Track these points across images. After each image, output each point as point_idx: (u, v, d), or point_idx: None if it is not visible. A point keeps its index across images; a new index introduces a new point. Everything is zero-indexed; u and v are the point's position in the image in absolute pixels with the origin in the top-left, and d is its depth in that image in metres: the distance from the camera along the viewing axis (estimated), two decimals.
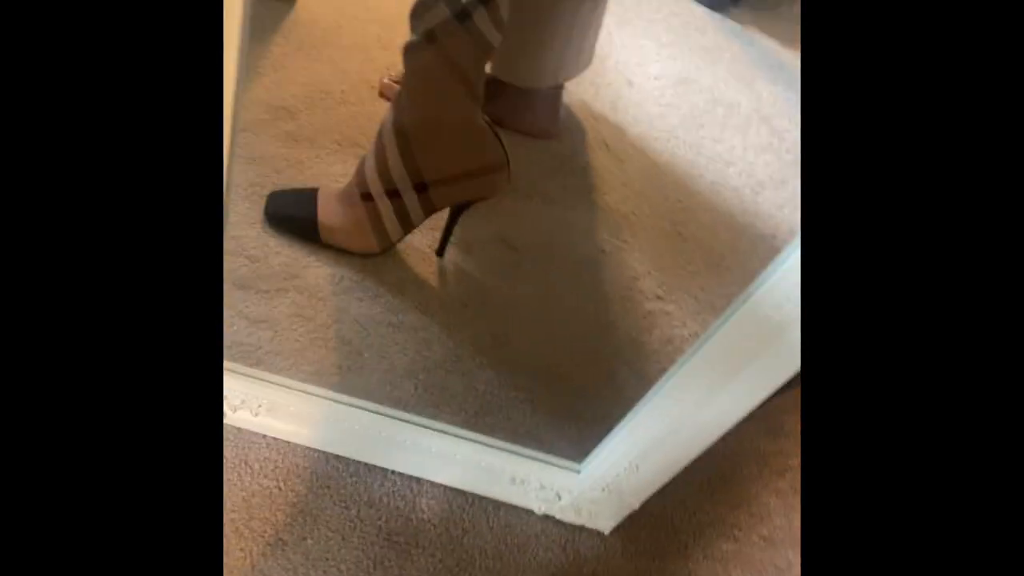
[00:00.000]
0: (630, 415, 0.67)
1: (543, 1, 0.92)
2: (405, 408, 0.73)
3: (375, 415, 0.70)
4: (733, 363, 0.58)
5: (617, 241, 0.99)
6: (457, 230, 0.90)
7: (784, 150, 1.26)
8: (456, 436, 0.71)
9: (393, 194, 0.80)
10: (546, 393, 0.81)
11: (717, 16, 1.56)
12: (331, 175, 0.93)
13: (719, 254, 1.03)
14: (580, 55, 1.02)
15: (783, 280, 0.52)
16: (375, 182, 0.80)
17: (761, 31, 1.56)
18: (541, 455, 0.72)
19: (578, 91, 1.20)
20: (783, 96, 1.40)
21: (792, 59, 1.52)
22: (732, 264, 1.02)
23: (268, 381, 0.69)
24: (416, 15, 0.72)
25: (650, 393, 0.65)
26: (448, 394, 0.77)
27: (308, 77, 1.04)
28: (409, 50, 0.74)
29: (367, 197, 0.81)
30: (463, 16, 0.69)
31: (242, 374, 0.68)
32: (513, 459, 0.71)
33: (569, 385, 0.82)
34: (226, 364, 0.68)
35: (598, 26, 1.03)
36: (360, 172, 0.82)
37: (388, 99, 1.04)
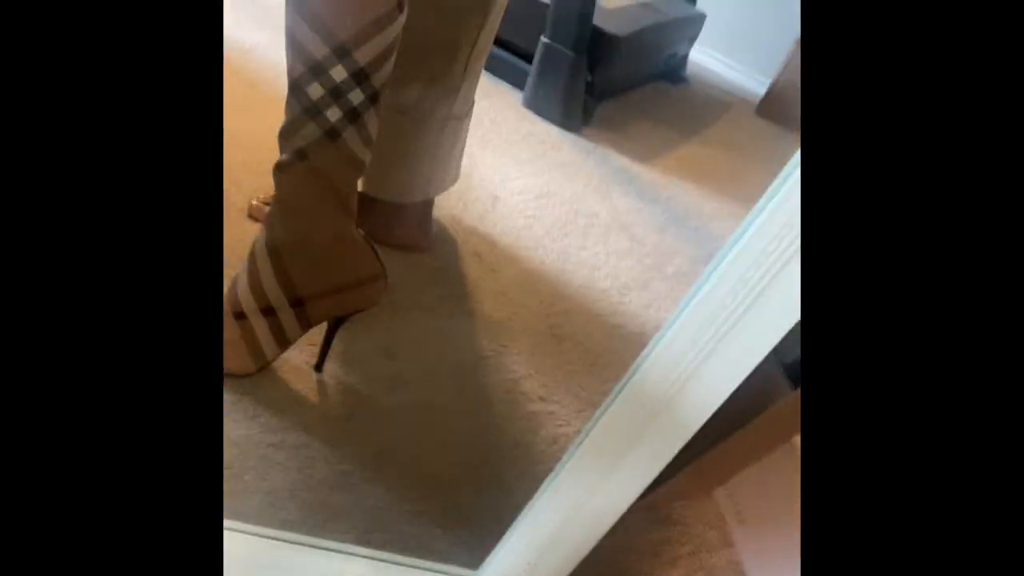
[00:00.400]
0: (522, 515, 0.67)
1: (407, 122, 0.97)
2: (290, 530, 0.69)
3: (258, 538, 0.66)
4: (617, 449, 0.60)
5: (496, 346, 1.01)
6: (335, 344, 0.89)
7: (644, 254, 1.35)
8: (347, 554, 0.68)
9: (268, 311, 0.79)
10: (437, 502, 0.79)
11: (571, 136, 1.67)
12: None
13: (595, 353, 1.07)
14: (447, 171, 1.07)
15: (653, 369, 0.55)
16: (248, 300, 0.79)
17: (613, 148, 1.69)
18: (437, 566, 0.70)
19: (447, 206, 1.24)
20: (636, 207, 1.50)
21: (642, 172, 1.64)
22: (608, 361, 1.06)
23: None
24: (285, 135, 0.74)
25: (540, 491, 0.65)
26: (335, 512, 0.75)
27: None
28: (280, 168, 0.75)
29: (240, 316, 0.80)
30: (333, 135, 0.71)
31: None
32: (409, 572, 0.69)
33: (460, 492, 0.81)
34: None
35: (462, 145, 1.08)
36: (232, 292, 0.81)
37: (258, 220, 1.04)
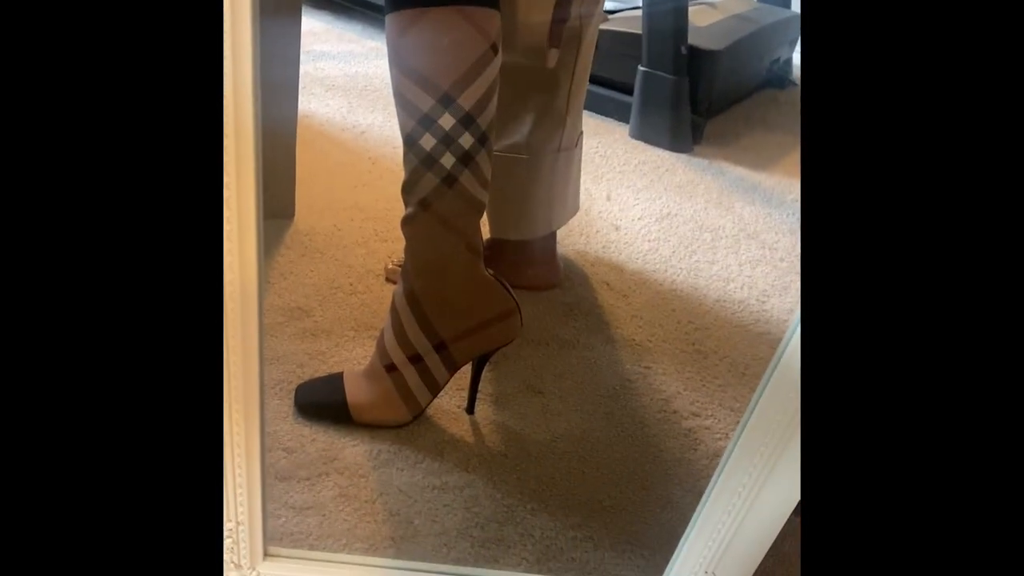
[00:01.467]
0: (691, 528, 0.65)
1: (520, 160, 0.99)
2: (466, 566, 0.71)
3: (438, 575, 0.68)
4: (769, 448, 0.58)
5: (640, 369, 1.00)
6: (483, 387, 0.91)
7: (778, 259, 1.30)
8: None
9: (415, 359, 0.82)
10: (604, 527, 0.79)
11: (684, 156, 1.66)
12: (351, 360, 0.96)
13: (743, 363, 1.04)
14: (566, 204, 1.09)
15: (789, 367, 0.53)
16: (396, 351, 0.83)
17: (728, 161, 1.66)
18: None
19: (569, 242, 1.26)
20: (764, 213, 1.46)
21: (764, 180, 1.60)
22: (758, 371, 1.03)
23: (323, 560, 0.68)
24: (407, 189, 0.78)
25: (702, 501, 0.63)
26: (506, 545, 0.75)
27: (317, 277, 1.09)
28: (407, 221, 0.79)
29: (391, 368, 0.83)
30: (450, 180, 0.75)
31: (296, 558, 0.67)
32: None
33: (626, 515, 0.80)
34: (278, 551, 0.66)
35: (578, 174, 1.10)
36: (380, 346, 0.85)
37: (394, 281, 1.09)
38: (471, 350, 0.83)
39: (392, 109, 1.66)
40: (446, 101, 0.71)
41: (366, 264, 1.13)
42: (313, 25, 2.08)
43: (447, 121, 0.72)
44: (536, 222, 1.05)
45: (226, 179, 0.48)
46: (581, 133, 1.06)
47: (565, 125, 0.99)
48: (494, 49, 0.72)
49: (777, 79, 2.11)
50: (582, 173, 1.52)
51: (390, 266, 1.11)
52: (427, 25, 0.69)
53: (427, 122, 0.72)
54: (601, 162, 1.59)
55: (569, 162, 1.05)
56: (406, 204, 0.79)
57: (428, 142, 0.73)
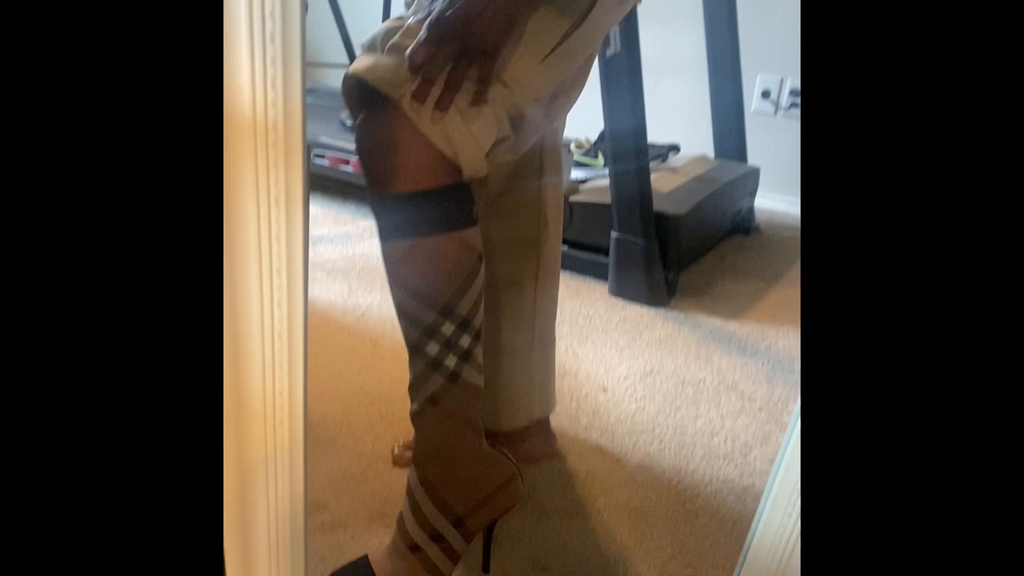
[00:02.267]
0: None
1: (497, 357, 1.10)
2: None
3: None
4: None
5: (636, 534, 1.07)
6: (492, 566, 0.98)
7: (757, 409, 1.40)
8: None
9: (436, 537, 0.90)
10: None
11: (661, 311, 1.79)
12: (371, 547, 1.03)
13: (731, 520, 1.11)
14: (547, 395, 1.19)
15: (766, 532, 0.62)
16: (417, 532, 0.90)
17: (703, 312, 1.79)
18: None
19: (561, 408, 1.35)
20: (740, 363, 1.57)
21: (738, 329, 1.72)
22: (744, 527, 1.10)
23: None
24: (415, 388, 0.88)
25: None
26: None
27: (330, 467, 1.18)
28: (417, 416, 0.89)
29: (415, 548, 0.91)
30: (454, 377, 0.85)
31: None
32: None
33: None
34: None
35: (553, 368, 1.21)
36: (402, 528, 0.92)
37: (402, 466, 1.18)
38: (484, 519, 0.92)
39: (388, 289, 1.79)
40: (446, 312, 0.83)
41: (375, 450, 1.22)
42: (312, 210, 2.25)
43: (448, 328, 0.83)
44: (519, 412, 1.15)
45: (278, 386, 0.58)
46: (553, 326, 1.17)
47: (535, 321, 1.11)
48: (480, 258, 0.84)
49: (742, 227, 2.28)
50: (569, 334, 1.64)
51: (396, 451, 1.20)
52: (424, 252, 0.81)
53: (431, 332, 0.83)
54: (585, 322, 1.71)
55: (545, 354, 1.15)
56: (413, 400, 0.89)
57: (433, 348, 0.84)
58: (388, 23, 0.83)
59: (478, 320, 0.86)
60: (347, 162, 2.21)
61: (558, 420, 1.32)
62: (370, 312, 1.68)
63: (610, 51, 1.70)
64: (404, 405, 1.33)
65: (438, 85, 0.76)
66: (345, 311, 1.67)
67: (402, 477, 1.16)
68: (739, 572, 0.70)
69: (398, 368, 1.44)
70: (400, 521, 0.93)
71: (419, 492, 0.90)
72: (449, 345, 0.84)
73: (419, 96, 0.76)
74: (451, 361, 0.84)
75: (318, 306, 1.69)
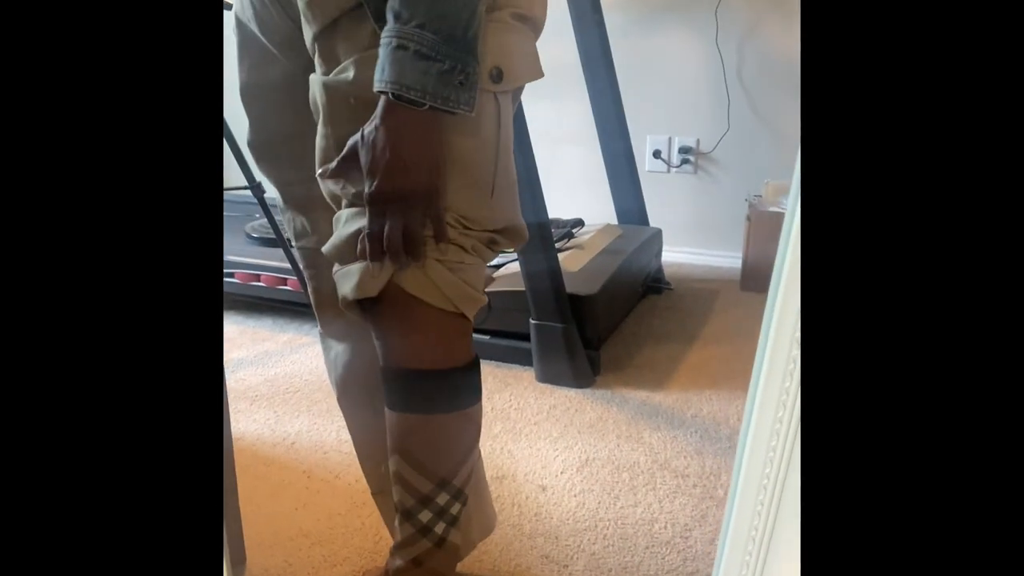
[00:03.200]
0: None
1: None
2: None
3: None
4: None
5: None
6: None
7: (691, 486, 1.44)
8: None
9: None
10: None
11: (588, 391, 1.83)
12: None
13: None
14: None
15: None
16: None
17: (628, 386, 1.84)
18: None
19: (502, 516, 1.36)
20: (670, 437, 1.62)
21: (662, 399, 1.77)
22: None
23: None
24: (402, 547, 0.88)
25: None
26: None
27: None
28: (399, 573, 0.89)
29: None
30: (441, 542, 0.87)
31: None
32: None
33: None
34: None
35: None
36: None
37: None
38: None
39: (316, 409, 1.77)
40: (442, 484, 0.84)
41: None
42: (228, 330, 2.22)
43: (443, 498, 0.84)
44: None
45: None
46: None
47: None
48: (478, 431, 0.85)
49: (654, 289, 2.36)
50: (503, 431, 1.65)
51: None
52: (432, 428, 0.82)
53: (425, 501, 0.84)
54: (517, 416, 1.73)
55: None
56: (396, 556, 0.89)
57: (425, 516, 0.85)
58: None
59: (468, 487, 0.87)
60: (258, 278, 2.19)
61: (503, 528, 1.33)
62: (300, 440, 1.66)
63: None
64: (346, 543, 1.31)
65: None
66: (274, 443, 1.65)
67: None
68: None
69: (335, 501, 1.43)
70: None
71: None
72: (441, 513, 0.85)
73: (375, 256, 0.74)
74: (440, 528, 0.86)
75: (246, 441, 1.66)
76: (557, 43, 2.53)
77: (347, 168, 0.73)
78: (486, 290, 1.94)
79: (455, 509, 0.86)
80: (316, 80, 0.75)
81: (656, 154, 2.69)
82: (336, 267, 0.80)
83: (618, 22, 2.54)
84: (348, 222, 0.76)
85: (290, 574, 1.26)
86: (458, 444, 0.84)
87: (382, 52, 0.66)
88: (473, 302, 0.79)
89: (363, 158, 0.70)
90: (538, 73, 0.80)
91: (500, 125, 0.77)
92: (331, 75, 0.73)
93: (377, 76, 0.67)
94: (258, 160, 0.94)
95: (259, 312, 2.33)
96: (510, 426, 1.68)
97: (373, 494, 1.16)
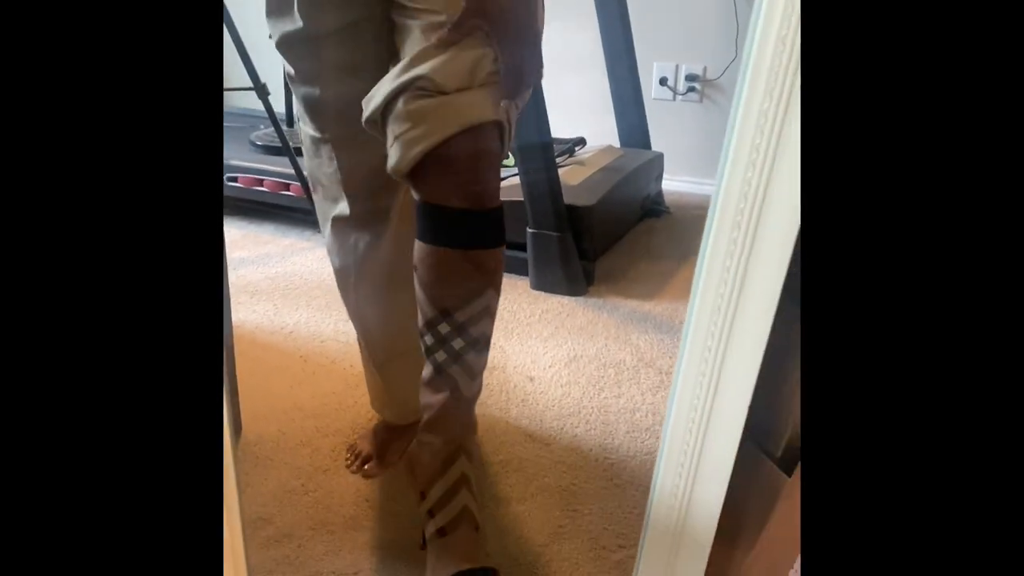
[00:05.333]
0: None
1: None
2: None
3: None
4: (667, 559, 0.73)
5: (569, 512, 1.14)
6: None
7: None
8: None
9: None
10: None
11: (581, 299, 1.87)
12: (314, 557, 1.07)
13: None
14: None
15: (665, 482, 0.69)
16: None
17: (620, 296, 1.88)
18: None
19: (491, 402, 1.41)
20: (657, 340, 1.66)
21: (653, 308, 1.81)
22: None
23: None
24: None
25: None
26: None
27: (271, 484, 1.21)
28: (425, 384, 0.96)
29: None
30: (440, 371, 0.93)
31: None
32: None
33: None
34: None
35: None
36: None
37: (358, 461, 1.23)
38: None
39: (315, 304, 1.81)
40: (445, 314, 0.88)
41: (313, 462, 1.26)
42: (230, 234, 2.26)
43: (444, 328, 0.89)
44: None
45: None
46: None
47: None
48: (493, 286, 0.89)
49: (653, 212, 2.38)
50: (495, 330, 1.69)
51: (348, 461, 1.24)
52: (435, 260, 0.87)
53: (430, 325, 0.90)
54: (510, 318, 1.78)
55: None
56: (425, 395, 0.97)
57: (428, 340, 0.91)
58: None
59: (476, 331, 0.91)
60: (261, 183, 2.22)
61: (489, 412, 1.38)
62: (298, 330, 1.70)
63: None
64: (339, 417, 1.37)
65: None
66: (272, 331, 1.69)
67: (342, 485, 1.20)
68: (644, 533, 0.77)
69: (330, 382, 1.48)
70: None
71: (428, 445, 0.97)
72: (442, 341, 0.91)
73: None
74: (440, 356, 0.92)
75: (245, 328, 1.70)
76: None
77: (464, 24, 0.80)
78: None
79: (457, 344, 0.90)
80: None
81: (663, 81, 2.69)
82: (435, 99, 0.81)
83: None
84: (459, 51, 0.81)
85: (283, 441, 1.31)
86: (458, 281, 0.88)
87: None
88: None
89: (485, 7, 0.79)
90: None
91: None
92: None
93: None
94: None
95: (261, 217, 2.37)
96: (502, 326, 1.73)
97: (379, 366, 1.20)
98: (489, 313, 0.91)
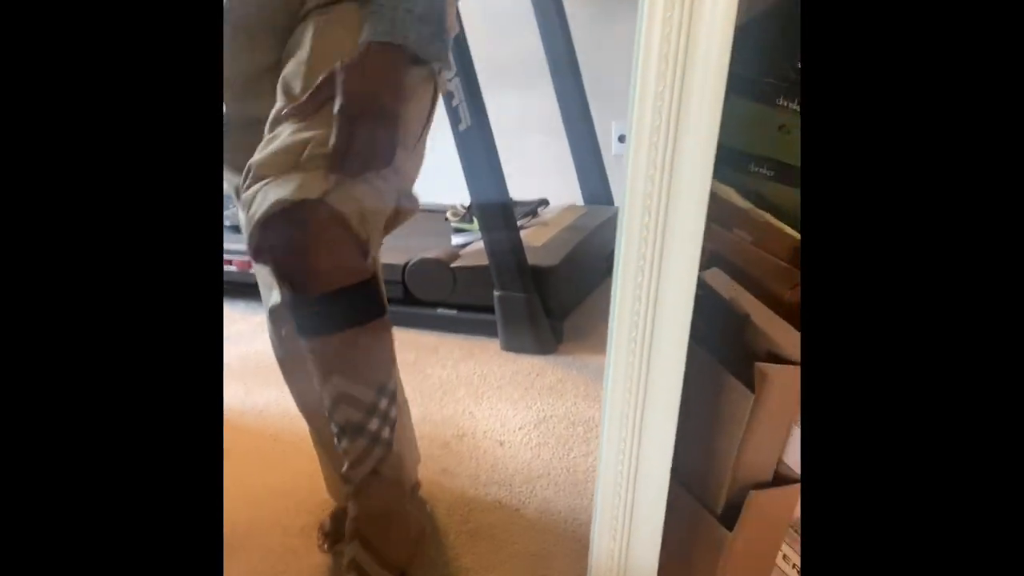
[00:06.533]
0: None
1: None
2: None
3: None
4: None
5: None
6: None
7: None
8: None
9: None
10: None
11: (551, 358, 1.88)
12: None
13: None
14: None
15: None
16: None
17: (589, 353, 1.90)
18: None
19: (461, 471, 1.42)
20: None
21: None
22: None
23: None
24: (356, 465, 0.92)
25: None
26: None
27: (239, 568, 1.20)
28: (359, 491, 0.94)
29: None
30: (388, 445, 0.93)
31: None
32: None
33: None
34: None
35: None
36: None
37: (332, 543, 1.22)
38: (417, 565, 1.00)
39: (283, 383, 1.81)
40: (382, 389, 0.89)
41: (284, 543, 1.25)
42: None
43: (384, 403, 0.90)
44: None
45: None
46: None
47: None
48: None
49: None
50: (466, 395, 1.71)
51: (326, 526, 1.24)
52: (369, 336, 0.87)
53: (372, 409, 0.89)
54: (480, 382, 1.79)
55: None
56: (351, 479, 0.93)
57: (374, 424, 0.90)
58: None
59: (395, 385, 0.93)
60: (230, 262, 2.25)
61: (460, 479, 1.39)
62: (268, 408, 1.71)
63: (462, 126, 1.81)
64: (311, 495, 1.37)
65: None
66: (243, 411, 1.70)
67: (311, 566, 1.19)
68: None
69: (300, 460, 1.48)
70: None
71: (364, 557, 0.95)
72: (385, 418, 0.90)
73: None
74: (386, 432, 0.91)
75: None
76: (522, 36, 2.60)
77: (318, 96, 0.80)
78: (451, 265, 2.00)
79: (393, 412, 0.91)
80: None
81: (621, 139, 2.76)
82: (256, 186, 0.81)
83: (580, 13, 2.62)
84: (292, 135, 0.81)
85: (255, 525, 1.31)
86: (389, 348, 0.90)
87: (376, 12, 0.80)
88: (377, 233, 0.86)
89: (341, 80, 0.79)
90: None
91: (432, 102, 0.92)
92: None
93: (369, 30, 0.80)
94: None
95: (230, 295, 2.38)
96: (472, 391, 1.74)
97: (327, 449, 1.21)
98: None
